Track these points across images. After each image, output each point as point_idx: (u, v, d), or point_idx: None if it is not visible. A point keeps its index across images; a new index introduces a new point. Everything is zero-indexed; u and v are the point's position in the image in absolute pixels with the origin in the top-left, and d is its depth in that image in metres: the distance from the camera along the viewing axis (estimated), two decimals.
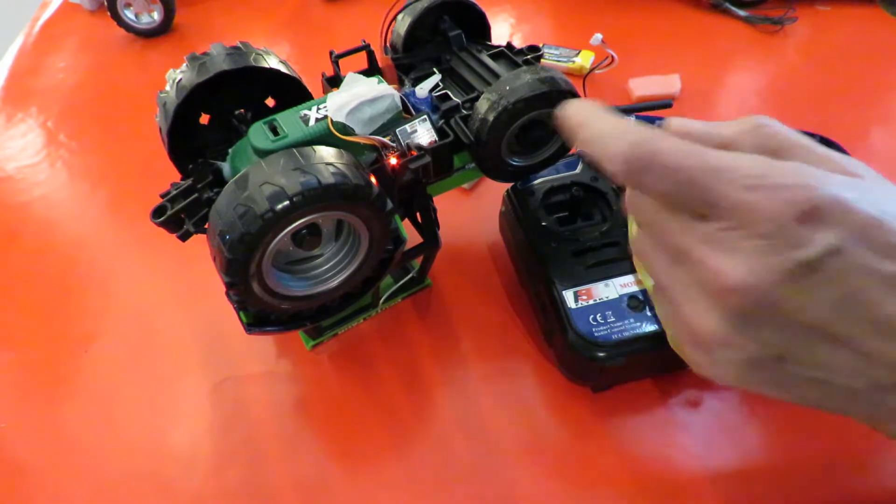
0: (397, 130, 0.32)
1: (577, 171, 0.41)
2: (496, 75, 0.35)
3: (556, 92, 0.32)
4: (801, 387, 0.22)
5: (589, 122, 0.25)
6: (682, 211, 0.23)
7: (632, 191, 0.25)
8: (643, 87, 0.57)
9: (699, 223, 0.22)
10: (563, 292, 0.35)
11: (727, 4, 0.67)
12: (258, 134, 0.30)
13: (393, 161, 0.31)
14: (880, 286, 0.20)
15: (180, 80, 0.32)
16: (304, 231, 0.28)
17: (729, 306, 0.22)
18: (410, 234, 0.35)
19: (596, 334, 0.33)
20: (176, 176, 0.34)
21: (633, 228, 0.27)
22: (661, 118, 0.51)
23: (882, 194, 0.22)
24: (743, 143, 0.24)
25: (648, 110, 0.51)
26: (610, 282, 0.35)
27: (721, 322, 0.22)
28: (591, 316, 0.34)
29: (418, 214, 0.37)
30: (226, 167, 0.32)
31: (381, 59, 0.38)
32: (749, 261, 0.21)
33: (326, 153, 0.28)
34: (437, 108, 0.34)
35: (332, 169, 0.27)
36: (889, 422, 0.23)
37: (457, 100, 0.35)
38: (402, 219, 0.36)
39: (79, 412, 0.39)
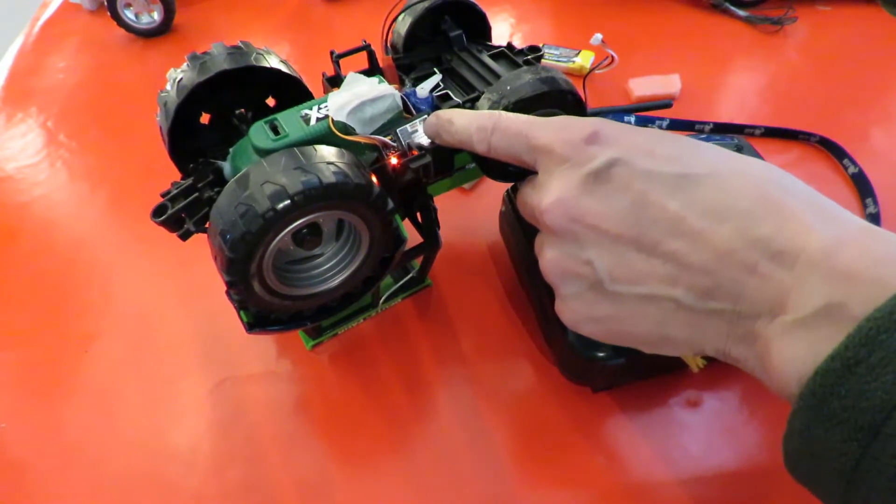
0: (398, 130, 0.32)
1: None
2: (497, 75, 0.35)
3: (557, 92, 0.32)
4: (640, 309, 0.24)
5: (456, 115, 0.30)
6: (530, 183, 0.29)
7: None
8: (643, 87, 0.57)
9: (533, 183, 0.28)
10: None
11: (727, 4, 0.67)
12: (259, 133, 0.30)
13: (394, 161, 0.31)
14: (663, 186, 0.23)
15: (181, 79, 0.32)
16: (305, 230, 0.28)
17: (551, 228, 0.26)
18: (410, 234, 0.35)
19: None
20: (176, 175, 0.34)
21: None
22: (661, 118, 0.52)
23: (663, 133, 0.26)
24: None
25: (648, 110, 0.51)
26: None
27: (551, 248, 0.27)
28: None
29: (418, 214, 0.37)
30: (226, 166, 0.32)
31: (382, 59, 0.38)
32: (555, 184, 0.26)
33: (327, 152, 0.28)
34: (438, 107, 0.34)
35: (333, 168, 0.27)
36: (706, 342, 0.24)
37: (457, 100, 0.35)
38: (403, 219, 0.36)
39: (79, 412, 0.39)
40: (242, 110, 0.35)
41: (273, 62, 0.33)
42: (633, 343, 0.26)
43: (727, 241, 0.22)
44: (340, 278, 0.32)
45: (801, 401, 0.19)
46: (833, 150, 0.51)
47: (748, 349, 0.22)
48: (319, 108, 0.31)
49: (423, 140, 0.32)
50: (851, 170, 0.49)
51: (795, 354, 0.20)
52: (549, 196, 0.26)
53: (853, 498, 0.19)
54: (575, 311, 0.27)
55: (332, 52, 0.37)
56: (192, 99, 0.32)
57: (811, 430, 0.19)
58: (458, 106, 0.34)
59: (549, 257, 0.27)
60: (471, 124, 0.29)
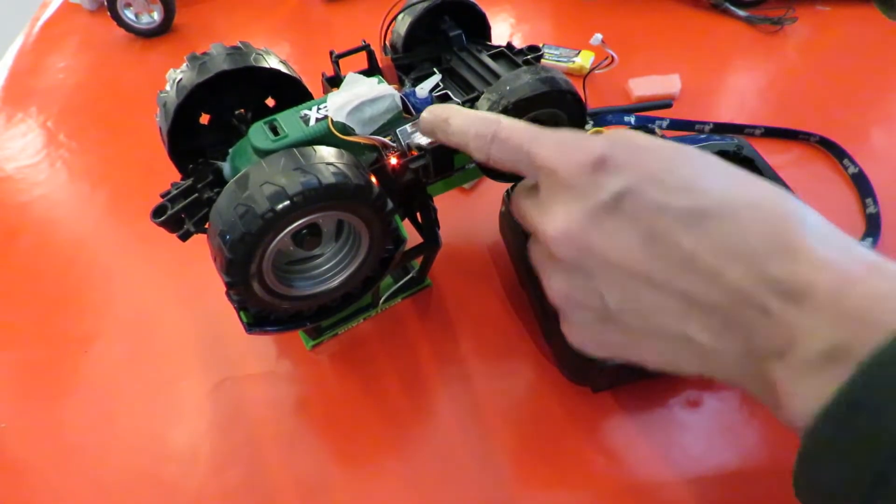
0: (397, 130, 0.32)
1: None
2: (496, 75, 0.35)
3: (557, 92, 0.32)
4: (650, 342, 0.24)
5: (453, 115, 0.29)
6: (530, 194, 0.27)
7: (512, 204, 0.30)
8: (643, 87, 0.57)
9: (535, 197, 0.27)
10: None
11: (727, 4, 0.67)
12: (258, 134, 0.30)
13: (393, 161, 0.31)
14: (675, 222, 0.23)
15: (180, 79, 0.32)
16: (305, 231, 0.28)
17: (557, 256, 0.25)
18: (410, 234, 0.35)
19: None
20: (176, 176, 0.34)
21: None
22: (661, 118, 0.52)
23: (681, 151, 0.25)
24: None
25: (648, 110, 0.51)
26: None
27: (557, 276, 0.26)
28: None
29: (418, 214, 0.37)
30: (226, 167, 0.32)
31: (382, 60, 0.38)
32: (561, 211, 0.24)
33: (327, 153, 0.28)
34: None
35: (332, 169, 0.27)
36: (716, 373, 0.24)
37: (457, 100, 0.35)
38: (403, 219, 0.36)
39: (79, 412, 0.39)
40: (242, 111, 0.35)
41: (272, 62, 0.33)
42: (645, 364, 0.26)
43: (740, 281, 0.22)
44: (340, 279, 0.32)
45: (807, 439, 0.20)
46: (833, 150, 0.51)
47: (758, 383, 0.23)
48: (319, 109, 0.31)
49: (423, 140, 0.32)
50: (851, 170, 0.49)
51: (803, 394, 0.20)
52: (555, 224, 0.25)
53: None
54: (583, 335, 0.26)
55: (331, 53, 0.37)
56: (192, 99, 0.32)
57: (818, 471, 0.20)
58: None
59: (557, 286, 0.26)
60: (469, 128, 0.28)
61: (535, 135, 0.26)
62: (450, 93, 0.35)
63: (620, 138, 0.25)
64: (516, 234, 0.40)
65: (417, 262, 0.41)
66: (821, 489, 0.20)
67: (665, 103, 0.50)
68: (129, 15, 0.71)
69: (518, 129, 0.27)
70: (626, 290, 0.24)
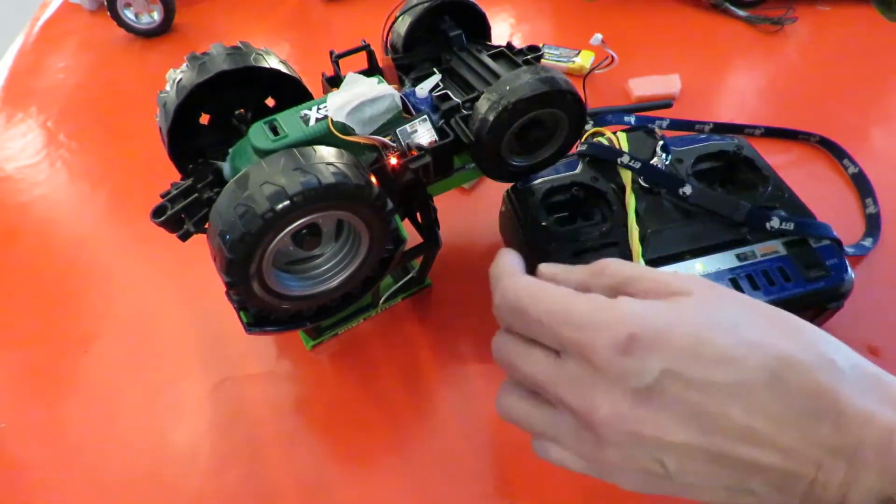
0: (397, 130, 0.32)
1: (577, 171, 0.41)
2: (496, 75, 0.35)
3: (556, 92, 0.32)
4: (712, 492, 0.25)
5: (499, 276, 0.29)
6: (554, 362, 0.26)
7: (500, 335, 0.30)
8: (643, 86, 0.57)
9: (561, 368, 0.26)
10: None
11: (727, 4, 0.67)
12: (258, 134, 0.30)
13: (393, 161, 0.31)
14: (720, 396, 0.23)
15: (180, 79, 0.32)
16: (305, 231, 0.28)
17: (603, 437, 0.25)
18: (410, 234, 0.35)
19: None
20: (176, 176, 0.34)
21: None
22: (661, 118, 0.52)
23: (705, 311, 0.25)
24: (594, 285, 0.27)
25: (648, 110, 0.51)
26: None
27: (610, 450, 0.25)
28: None
29: (418, 214, 0.37)
30: (226, 167, 0.32)
31: (382, 60, 0.38)
32: (602, 397, 0.24)
33: (327, 153, 0.28)
34: (438, 108, 0.34)
35: (332, 169, 0.27)
36: None
37: (457, 100, 0.35)
38: (402, 219, 0.36)
39: (79, 412, 0.39)
40: (242, 111, 0.35)
41: (272, 62, 0.33)
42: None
43: (794, 445, 0.23)
44: (340, 279, 0.32)
45: None
46: (833, 150, 0.51)
47: None
48: (319, 109, 0.31)
49: (423, 140, 0.32)
50: (851, 170, 0.49)
51: None
52: (600, 410, 0.24)
53: None
54: (636, 482, 0.26)
55: (331, 53, 0.37)
56: (192, 99, 0.32)
57: None
58: (457, 106, 0.34)
59: (612, 458, 0.25)
60: (496, 299, 0.29)
61: (550, 308, 0.26)
62: (449, 93, 0.35)
63: (646, 313, 0.25)
64: (516, 234, 0.40)
65: (417, 262, 0.41)
66: None
67: (665, 103, 0.50)
68: (129, 15, 0.71)
69: (532, 302, 0.27)
70: (684, 459, 0.24)
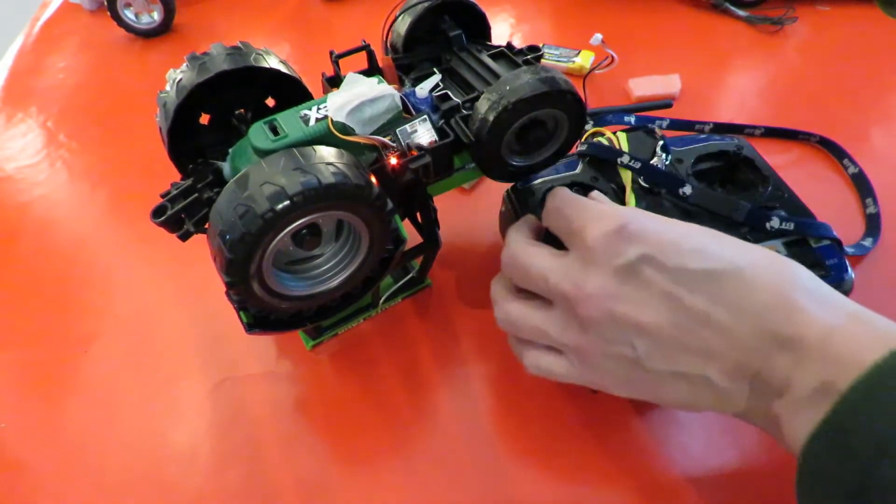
0: (397, 130, 0.32)
1: (577, 171, 0.41)
2: (496, 75, 0.35)
3: (556, 92, 0.32)
4: (673, 383, 0.28)
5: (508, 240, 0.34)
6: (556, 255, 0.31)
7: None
8: (643, 87, 0.57)
9: (562, 259, 0.31)
10: None
11: (727, 4, 0.67)
12: (258, 134, 0.30)
13: (393, 161, 0.31)
14: (691, 282, 0.27)
15: (180, 79, 0.32)
16: (305, 231, 0.28)
17: (584, 315, 0.28)
18: (410, 234, 0.35)
19: None
20: (176, 176, 0.34)
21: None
22: (661, 118, 0.52)
23: (693, 226, 0.29)
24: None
25: (648, 110, 0.51)
26: None
27: (587, 333, 0.29)
28: None
29: (418, 214, 0.37)
30: (226, 167, 0.32)
31: (382, 60, 0.38)
32: (590, 276, 0.28)
33: (327, 153, 0.28)
34: (438, 108, 0.34)
35: (332, 169, 0.27)
36: (728, 410, 0.28)
37: (457, 100, 0.34)
38: (402, 219, 0.36)
39: (79, 412, 0.39)
40: (242, 111, 0.35)
41: (272, 62, 0.33)
42: (662, 404, 0.30)
43: (746, 333, 0.26)
44: (340, 279, 0.32)
45: (802, 460, 0.24)
46: (833, 150, 0.51)
47: (764, 419, 0.27)
48: (319, 109, 0.31)
49: (423, 140, 0.32)
50: (851, 170, 0.49)
51: (798, 424, 0.25)
52: (587, 286, 0.28)
53: None
54: (613, 379, 0.30)
55: (331, 53, 0.37)
56: (192, 99, 0.32)
57: (813, 485, 0.24)
58: (457, 106, 0.34)
59: (591, 344, 0.29)
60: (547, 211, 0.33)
61: (577, 210, 0.31)
62: (449, 93, 0.35)
63: (641, 213, 0.30)
64: None
65: (417, 262, 0.41)
66: (817, 500, 0.24)
67: (665, 103, 0.50)
68: (129, 15, 0.71)
69: (566, 205, 0.32)
70: (652, 341, 0.27)
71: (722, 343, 0.26)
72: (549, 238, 0.34)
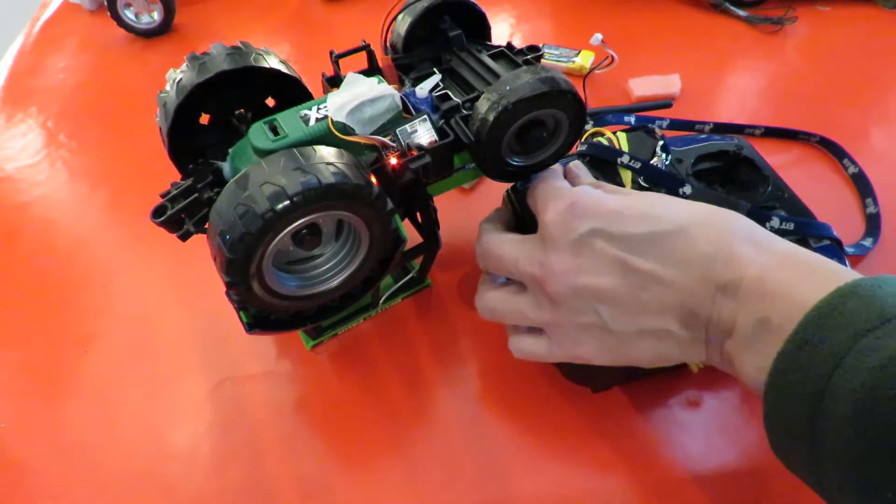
0: (397, 130, 0.32)
1: None
2: (496, 75, 0.35)
3: (556, 92, 0.32)
4: (642, 341, 0.30)
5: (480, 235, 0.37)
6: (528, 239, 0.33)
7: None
8: (643, 86, 0.57)
9: (524, 241, 0.33)
10: None
11: (727, 4, 0.67)
12: (258, 134, 0.30)
13: (393, 161, 0.31)
14: (638, 246, 0.29)
15: (180, 79, 0.32)
16: (305, 231, 0.28)
17: (552, 292, 0.30)
18: (410, 234, 0.35)
19: None
20: (176, 176, 0.34)
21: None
22: (661, 118, 0.52)
23: (641, 195, 0.32)
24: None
25: (648, 110, 0.51)
26: None
27: (556, 309, 0.31)
28: None
29: (418, 214, 0.37)
30: (226, 167, 0.32)
31: (382, 60, 0.38)
32: (550, 254, 0.31)
33: (327, 153, 0.28)
34: (438, 108, 0.34)
35: (332, 168, 0.27)
36: (694, 357, 0.30)
37: (457, 100, 0.34)
38: (402, 219, 0.36)
39: (79, 412, 0.39)
40: (242, 111, 0.35)
41: (272, 62, 0.33)
42: (639, 363, 0.31)
43: (692, 284, 0.28)
44: (340, 278, 0.32)
45: (764, 399, 0.26)
46: (833, 150, 0.51)
47: (723, 361, 0.29)
48: (319, 109, 0.31)
49: (423, 140, 0.32)
50: (851, 170, 0.49)
51: (748, 361, 0.27)
52: (548, 265, 0.31)
53: (815, 466, 0.24)
54: (588, 346, 0.31)
55: (331, 53, 0.37)
56: (192, 99, 0.32)
57: (775, 420, 0.25)
58: (457, 106, 0.34)
59: (563, 318, 0.31)
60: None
61: (542, 191, 0.33)
62: (449, 93, 0.35)
63: (590, 189, 0.32)
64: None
65: (417, 262, 0.41)
66: (780, 428, 0.25)
67: (665, 103, 0.50)
68: (129, 15, 0.71)
69: (542, 190, 0.34)
70: (613, 304, 0.30)
71: (673, 296, 0.28)
72: (525, 226, 0.36)
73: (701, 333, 0.29)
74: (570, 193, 0.32)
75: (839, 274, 0.26)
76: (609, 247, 0.29)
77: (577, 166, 0.37)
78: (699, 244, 0.28)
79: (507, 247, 0.33)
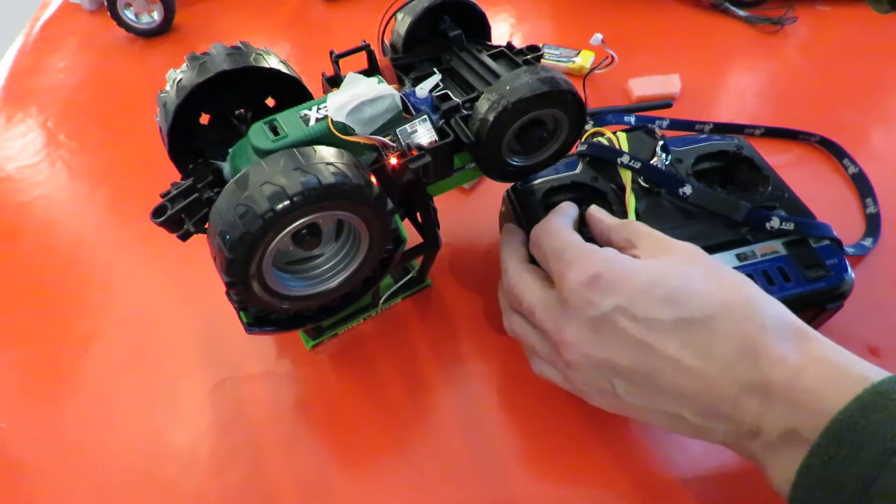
0: (397, 130, 0.32)
1: (577, 171, 0.41)
2: (496, 75, 0.35)
3: (556, 92, 0.32)
4: (655, 415, 0.29)
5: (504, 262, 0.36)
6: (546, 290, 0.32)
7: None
8: (643, 87, 0.57)
9: (545, 292, 0.32)
10: None
11: (727, 4, 0.67)
12: (258, 134, 0.30)
13: (393, 161, 0.31)
14: (662, 332, 0.28)
15: (180, 79, 0.32)
16: (305, 231, 0.28)
17: (567, 359, 0.30)
18: (410, 234, 0.35)
19: None
20: (176, 176, 0.34)
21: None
22: (661, 118, 0.52)
23: (670, 265, 0.30)
24: (617, 235, 0.34)
25: (648, 110, 0.51)
26: None
27: (574, 371, 0.31)
28: None
29: (418, 214, 0.37)
30: (226, 167, 0.32)
31: (381, 60, 0.38)
32: (568, 325, 0.30)
33: (327, 153, 0.28)
34: (438, 107, 0.34)
35: (332, 169, 0.27)
36: (711, 440, 0.29)
37: (457, 100, 0.34)
38: (402, 219, 0.36)
39: (79, 412, 0.39)
40: (242, 111, 0.35)
41: (272, 62, 0.33)
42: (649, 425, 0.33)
43: (714, 378, 0.27)
44: (340, 279, 0.32)
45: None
46: (833, 150, 0.51)
47: (743, 452, 0.28)
48: (319, 109, 0.31)
49: (423, 140, 0.32)
50: (851, 170, 0.49)
51: (774, 466, 0.26)
52: (563, 333, 0.30)
53: None
54: (601, 405, 0.32)
55: (331, 53, 0.37)
56: (192, 99, 0.32)
57: None
58: (457, 106, 0.34)
59: (576, 377, 0.31)
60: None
61: (553, 248, 0.32)
62: (449, 93, 0.35)
63: (615, 258, 0.30)
64: None
65: (417, 262, 0.41)
66: None
67: (665, 103, 0.50)
68: (129, 15, 0.71)
69: (553, 248, 0.32)
70: (630, 381, 0.29)
71: (693, 387, 0.28)
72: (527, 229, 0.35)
73: (719, 426, 0.28)
74: (591, 261, 0.30)
75: (864, 377, 0.25)
76: (631, 326, 0.28)
77: (597, 210, 0.36)
78: (726, 337, 0.27)
79: (529, 293, 0.33)
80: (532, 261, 0.35)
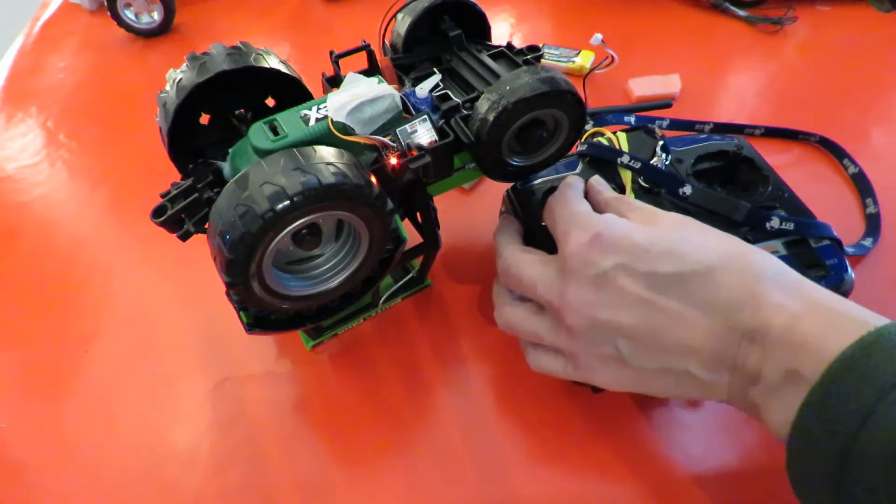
0: (397, 130, 0.32)
1: (577, 171, 0.41)
2: (496, 75, 0.35)
3: (557, 92, 0.32)
4: (660, 378, 0.30)
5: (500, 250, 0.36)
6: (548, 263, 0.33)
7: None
8: (643, 87, 0.57)
9: (544, 264, 0.32)
10: None
11: (727, 4, 0.67)
12: (258, 134, 0.30)
13: (393, 161, 0.31)
14: (662, 286, 0.28)
15: (180, 79, 0.32)
16: (305, 231, 0.28)
17: (569, 324, 0.30)
18: (410, 234, 0.35)
19: None
20: (176, 176, 0.34)
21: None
22: (661, 118, 0.52)
23: (667, 227, 0.30)
24: (612, 206, 0.34)
25: (648, 110, 0.51)
26: None
27: (576, 340, 0.30)
28: None
29: (418, 214, 0.37)
30: (226, 167, 0.32)
31: (382, 60, 0.38)
32: (569, 285, 0.30)
33: (327, 153, 0.28)
34: (438, 108, 0.34)
35: (332, 169, 0.27)
36: (713, 398, 0.30)
37: (457, 100, 0.34)
38: (402, 219, 0.36)
39: (79, 412, 0.39)
40: (242, 111, 0.35)
41: (272, 62, 0.33)
42: (654, 395, 0.32)
43: (717, 328, 0.28)
44: (340, 279, 0.32)
45: (787, 445, 0.26)
46: (833, 150, 0.51)
47: (747, 405, 0.28)
48: (319, 109, 0.31)
49: (423, 140, 0.32)
50: (851, 170, 0.49)
51: (774, 410, 0.27)
52: (566, 295, 0.30)
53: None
54: (604, 376, 0.31)
55: (331, 53, 0.37)
56: (192, 99, 0.32)
57: (800, 466, 0.25)
58: (457, 106, 0.34)
59: (580, 347, 0.31)
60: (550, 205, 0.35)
61: (565, 217, 0.32)
62: (449, 93, 0.35)
63: (614, 220, 0.31)
64: None
65: (417, 262, 0.41)
66: (805, 479, 0.25)
67: (665, 103, 0.50)
68: (129, 15, 0.71)
69: (562, 210, 0.33)
70: (633, 341, 0.29)
71: (697, 339, 0.28)
72: (537, 238, 0.35)
73: (723, 377, 0.28)
74: (593, 223, 0.31)
75: (865, 321, 0.25)
76: (633, 283, 0.29)
77: (598, 181, 0.36)
78: (726, 288, 0.28)
79: (528, 269, 0.33)
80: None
